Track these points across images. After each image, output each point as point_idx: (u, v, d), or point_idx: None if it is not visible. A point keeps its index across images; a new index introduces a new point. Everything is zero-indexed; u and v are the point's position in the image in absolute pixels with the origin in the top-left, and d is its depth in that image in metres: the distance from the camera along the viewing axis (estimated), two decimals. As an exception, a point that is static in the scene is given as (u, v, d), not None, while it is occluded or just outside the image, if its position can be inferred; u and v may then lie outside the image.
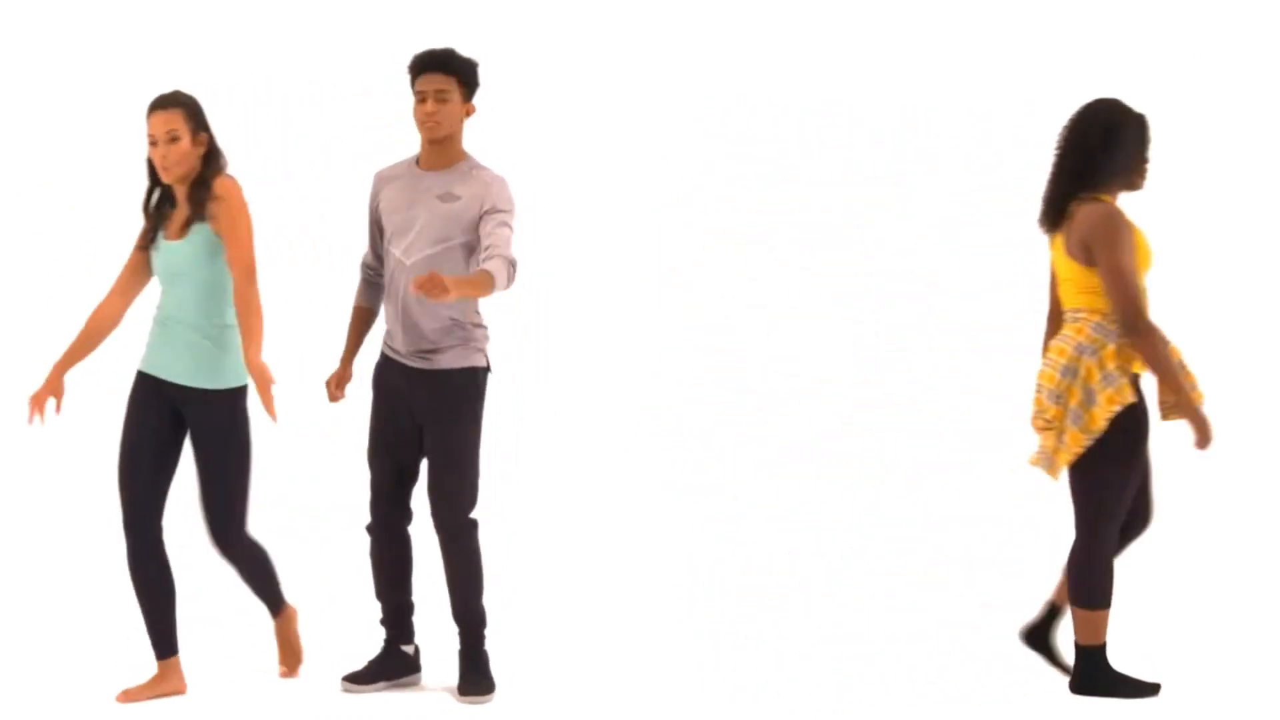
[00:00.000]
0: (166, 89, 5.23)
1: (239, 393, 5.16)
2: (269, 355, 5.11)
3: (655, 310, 8.29)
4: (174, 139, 5.06)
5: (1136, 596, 6.34)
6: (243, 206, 5.06)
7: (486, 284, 5.00)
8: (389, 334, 5.32)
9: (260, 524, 7.37)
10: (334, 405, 5.45)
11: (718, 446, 8.06)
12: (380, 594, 5.42)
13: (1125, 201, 5.29)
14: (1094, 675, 5.22)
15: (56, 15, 8.22)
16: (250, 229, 5.07)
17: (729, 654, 5.79)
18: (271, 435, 7.60)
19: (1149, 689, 5.22)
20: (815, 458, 7.95)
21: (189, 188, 5.13)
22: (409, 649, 5.43)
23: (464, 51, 5.28)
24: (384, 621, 5.43)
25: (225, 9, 8.29)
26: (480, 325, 5.30)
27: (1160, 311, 5.28)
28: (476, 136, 5.45)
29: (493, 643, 5.38)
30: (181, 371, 5.11)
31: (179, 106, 5.11)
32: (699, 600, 6.55)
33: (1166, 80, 8.05)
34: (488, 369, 5.31)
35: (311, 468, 7.52)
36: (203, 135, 5.13)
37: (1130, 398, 5.12)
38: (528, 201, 5.81)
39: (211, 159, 5.14)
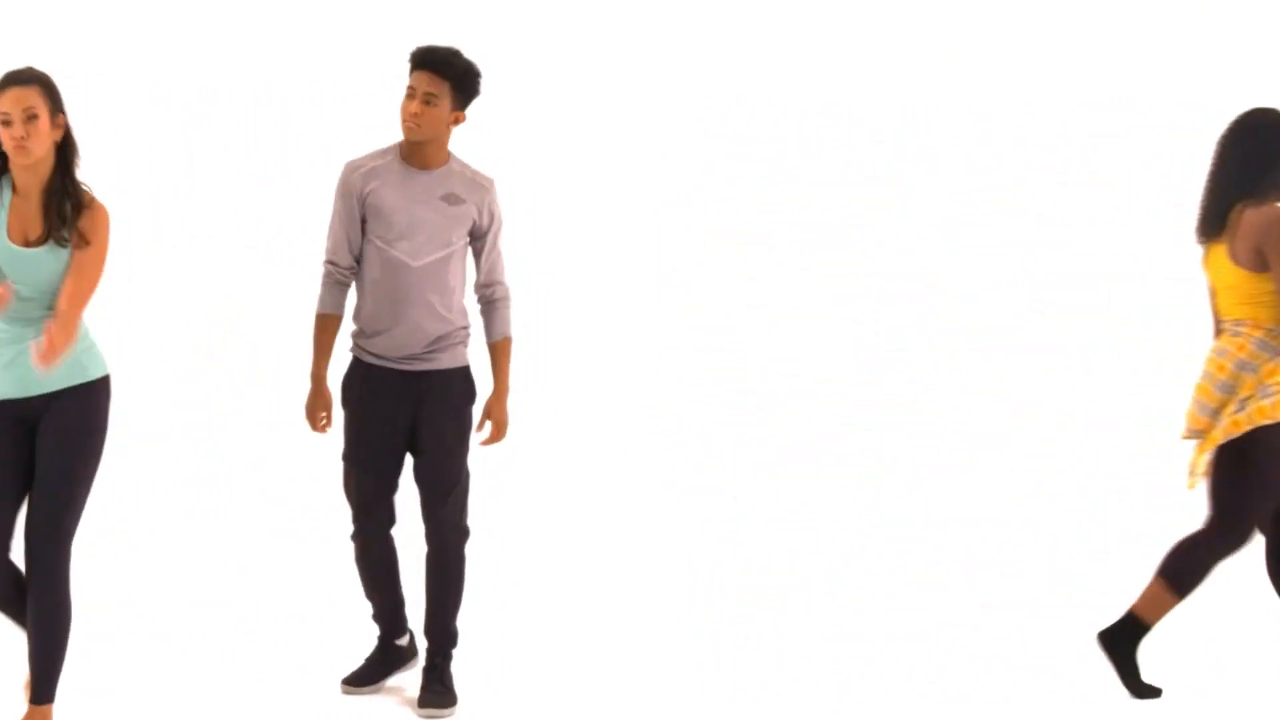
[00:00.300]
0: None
1: (100, 385, 4.66)
2: (272, 359, 5.08)
3: (655, 310, 8.29)
4: (32, 116, 4.52)
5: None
6: (107, 245, 4.62)
7: (510, 348, 5.28)
8: (371, 339, 5.13)
9: (260, 524, 7.40)
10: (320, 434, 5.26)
11: (718, 446, 8.06)
12: (370, 594, 5.34)
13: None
14: (1122, 642, 5.20)
15: (57, 15, 8.23)
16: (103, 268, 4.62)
17: (729, 654, 5.79)
18: (273, 436, 7.63)
19: (1149, 691, 5.21)
20: (815, 458, 7.95)
21: (45, 193, 4.61)
22: (403, 641, 5.38)
23: (469, 56, 5.10)
24: (376, 618, 5.37)
25: (225, 9, 8.29)
26: (467, 331, 5.24)
27: (1162, 313, 5.28)
28: (478, 135, 5.44)
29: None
30: (48, 379, 4.59)
31: (36, 83, 4.57)
32: (699, 600, 6.55)
33: (1166, 80, 8.05)
34: (470, 366, 5.26)
35: (311, 468, 7.51)
36: (61, 117, 4.63)
37: None
38: (528, 202, 5.81)
39: (68, 152, 4.64)
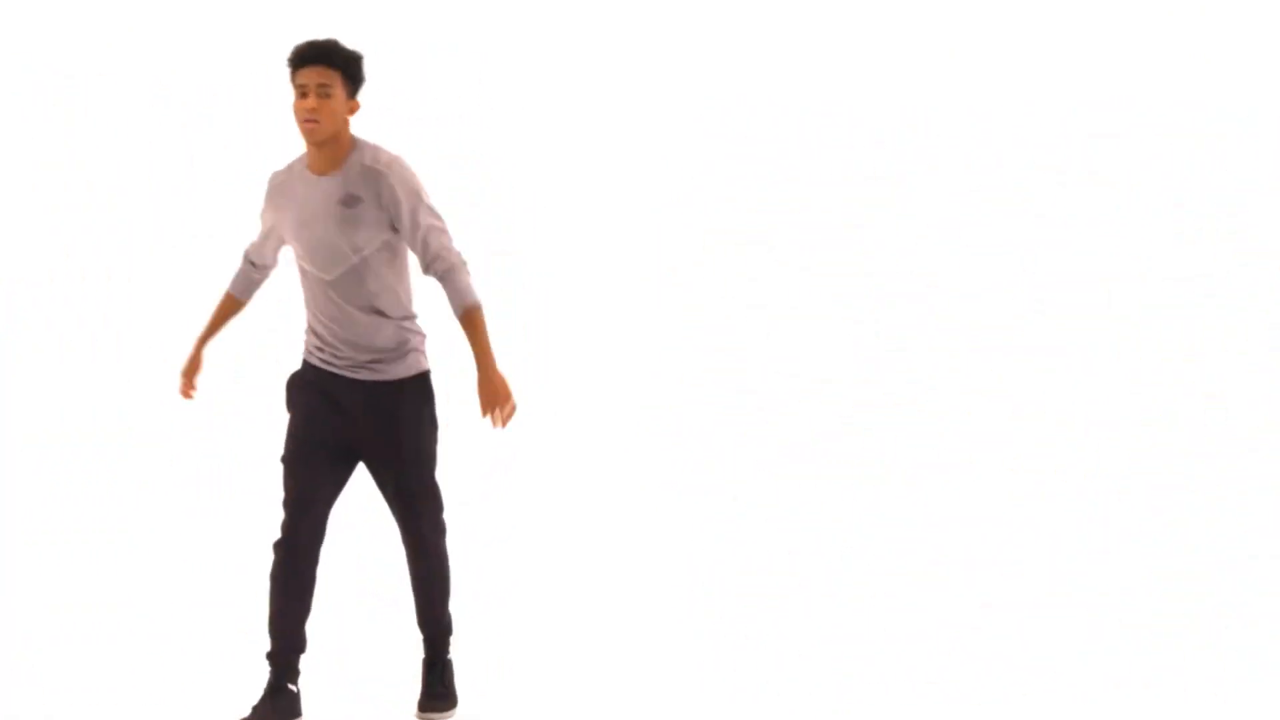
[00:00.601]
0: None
1: None
2: (272, 359, 5.04)
3: (655, 310, 8.29)
4: None
5: (1140, 597, 6.35)
6: None
7: (481, 316, 4.85)
8: (318, 347, 4.94)
9: (260, 524, 7.40)
10: (186, 401, 5.10)
11: (718, 446, 8.06)
12: (275, 623, 4.96)
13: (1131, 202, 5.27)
14: None
15: (57, 15, 8.23)
16: None
17: (729, 654, 5.78)
18: (273, 436, 7.62)
19: None
20: (815, 458, 7.95)
21: None
22: (294, 688, 5.00)
23: (368, 47, 4.97)
24: (273, 656, 4.98)
25: (225, 9, 8.29)
26: (419, 330, 5.01)
27: (1162, 313, 5.26)
28: (479, 135, 5.41)
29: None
30: None
31: None
32: (699, 600, 6.54)
33: (1166, 80, 8.05)
34: (429, 370, 5.03)
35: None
36: None
37: None
38: (529, 202, 5.78)
39: None
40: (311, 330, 4.98)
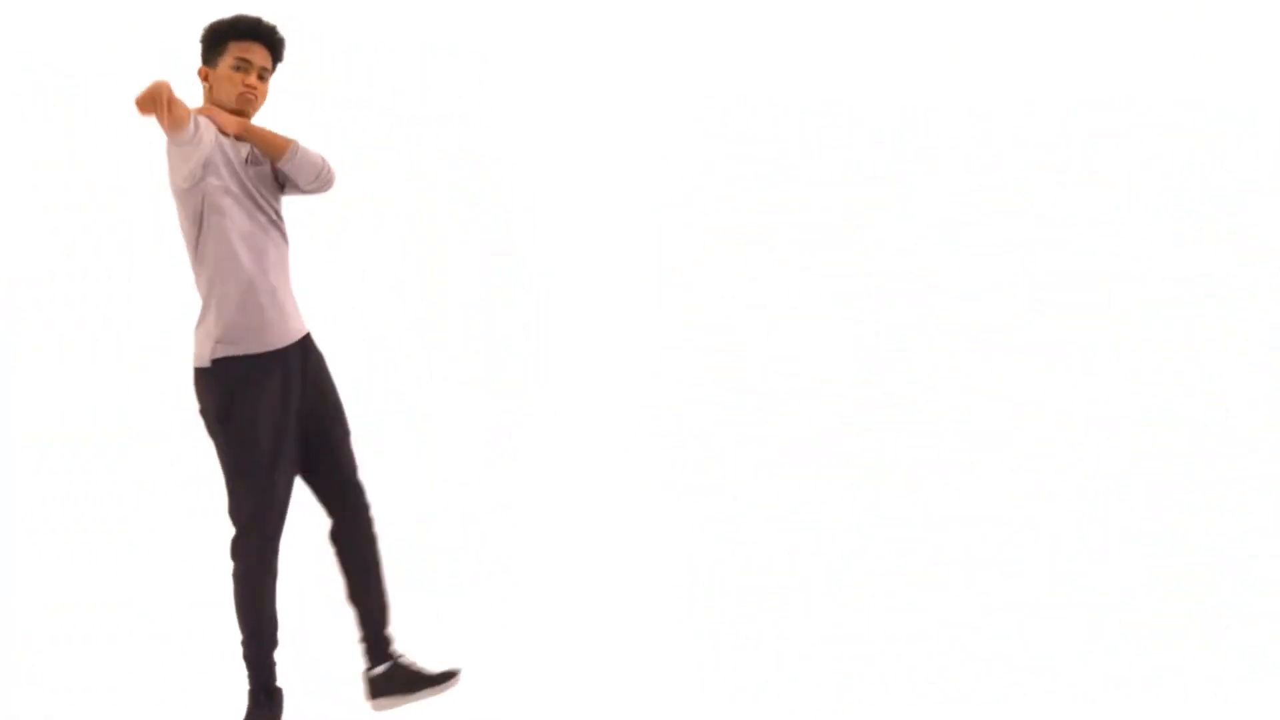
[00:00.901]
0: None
1: None
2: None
3: (655, 310, 8.29)
4: None
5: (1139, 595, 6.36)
6: None
7: (294, 144, 4.78)
8: (262, 328, 4.68)
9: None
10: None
11: (718, 446, 8.06)
12: (259, 636, 4.84)
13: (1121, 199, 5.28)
14: None
15: (57, 15, 8.23)
16: None
17: (729, 654, 5.78)
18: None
19: None
20: (815, 458, 7.95)
21: None
22: (279, 686, 4.98)
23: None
24: (260, 664, 4.88)
25: (225, 9, 8.29)
26: None
27: (1162, 313, 5.26)
28: (479, 135, 5.41)
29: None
30: None
31: None
32: (699, 600, 6.55)
33: (1166, 80, 8.05)
34: None
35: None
36: None
37: None
38: (528, 202, 5.75)
39: None
40: (242, 312, 4.68)
